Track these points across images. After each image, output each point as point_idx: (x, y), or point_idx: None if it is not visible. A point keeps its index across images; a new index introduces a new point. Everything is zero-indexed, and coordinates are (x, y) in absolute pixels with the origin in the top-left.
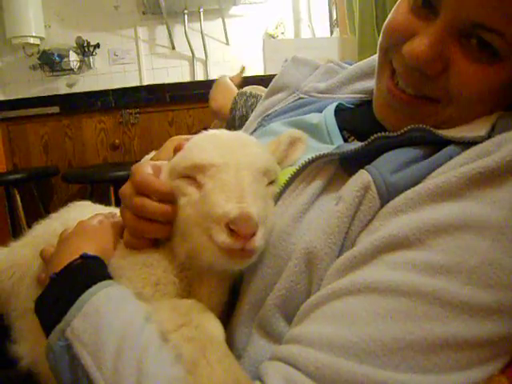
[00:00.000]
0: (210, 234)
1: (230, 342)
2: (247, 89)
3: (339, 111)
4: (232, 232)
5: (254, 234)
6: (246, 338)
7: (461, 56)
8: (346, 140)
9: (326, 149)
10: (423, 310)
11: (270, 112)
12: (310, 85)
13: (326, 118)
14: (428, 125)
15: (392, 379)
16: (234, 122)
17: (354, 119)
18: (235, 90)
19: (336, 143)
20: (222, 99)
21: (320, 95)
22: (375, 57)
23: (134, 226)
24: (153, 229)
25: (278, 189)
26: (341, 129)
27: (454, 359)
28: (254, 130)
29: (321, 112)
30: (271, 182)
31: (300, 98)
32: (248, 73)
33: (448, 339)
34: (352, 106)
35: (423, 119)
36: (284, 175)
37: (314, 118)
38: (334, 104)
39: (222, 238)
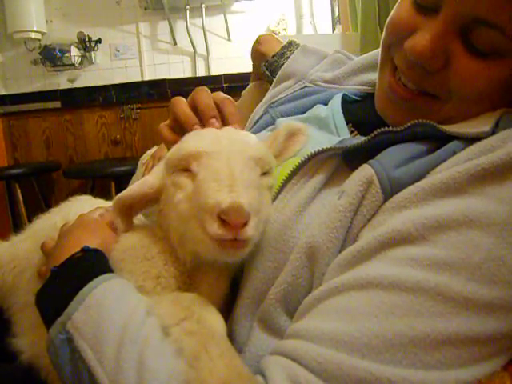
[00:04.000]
0: (204, 226)
1: (231, 335)
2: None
3: (345, 103)
4: (224, 222)
5: (245, 224)
6: (246, 332)
7: (462, 52)
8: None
9: (328, 143)
10: (426, 305)
11: (275, 99)
12: (317, 74)
13: (334, 112)
14: (430, 121)
15: (394, 375)
16: (275, 68)
17: (360, 113)
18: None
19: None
20: (270, 46)
21: (325, 85)
22: None
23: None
24: None
25: (273, 180)
26: (347, 122)
27: (457, 355)
28: (260, 117)
29: (326, 103)
30: (265, 173)
31: (306, 87)
32: (250, 69)
33: (451, 335)
34: (357, 98)
35: (424, 116)
36: (286, 168)
37: (321, 111)
38: (339, 96)
39: (214, 228)
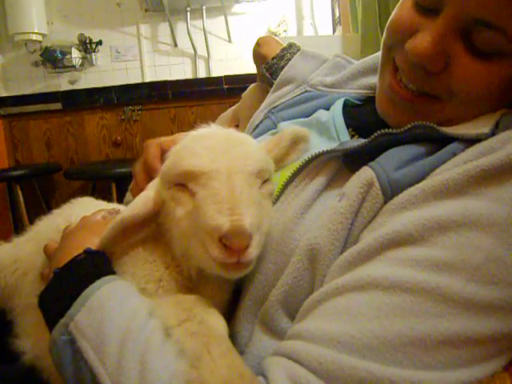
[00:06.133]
0: (205, 248)
1: (233, 337)
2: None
3: (346, 107)
4: (225, 246)
5: (248, 247)
6: (248, 334)
7: (463, 53)
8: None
9: (327, 148)
10: (426, 306)
11: (276, 104)
12: (317, 78)
13: (334, 116)
14: (431, 122)
15: (395, 375)
16: (275, 70)
17: (360, 116)
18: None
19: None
20: (270, 48)
21: (326, 89)
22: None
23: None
24: None
25: (273, 186)
26: (347, 126)
27: (457, 356)
28: (260, 122)
29: (327, 108)
30: (265, 181)
31: (306, 91)
32: (250, 70)
33: (451, 336)
34: (358, 103)
35: (425, 117)
36: (287, 171)
37: (323, 116)
38: (341, 100)
39: (216, 252)
